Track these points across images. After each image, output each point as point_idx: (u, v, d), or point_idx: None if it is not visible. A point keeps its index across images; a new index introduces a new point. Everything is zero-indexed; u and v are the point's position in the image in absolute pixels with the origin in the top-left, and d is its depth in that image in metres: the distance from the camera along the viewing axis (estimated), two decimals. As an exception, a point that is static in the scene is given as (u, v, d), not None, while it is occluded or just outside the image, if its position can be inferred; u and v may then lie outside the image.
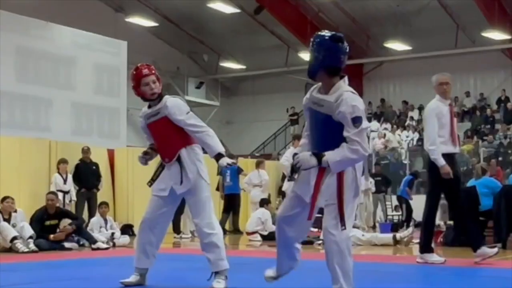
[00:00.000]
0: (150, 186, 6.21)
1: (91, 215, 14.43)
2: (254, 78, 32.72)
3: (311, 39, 5.00)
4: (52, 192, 12.59)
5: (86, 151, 14.97)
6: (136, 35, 26.38)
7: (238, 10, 27.29)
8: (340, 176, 4.81)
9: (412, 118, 28.63)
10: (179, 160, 6.03)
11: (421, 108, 29.11)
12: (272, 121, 32.08)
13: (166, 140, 6.14)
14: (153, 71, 6.21)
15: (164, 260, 9.43)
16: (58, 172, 14.31)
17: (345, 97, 4.77)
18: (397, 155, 25.26)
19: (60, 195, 13.64)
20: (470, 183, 12.62)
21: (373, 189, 19.79)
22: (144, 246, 6.21)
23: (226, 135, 31.48)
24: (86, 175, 14.73)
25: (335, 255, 4.89)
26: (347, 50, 4.93)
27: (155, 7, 28.04)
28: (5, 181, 13.63)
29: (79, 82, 19.68)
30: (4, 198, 11.52)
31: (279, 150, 30.04)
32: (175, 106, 6.06)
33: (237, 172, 16.65)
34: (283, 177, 19.33)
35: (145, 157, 6.29)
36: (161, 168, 6.20)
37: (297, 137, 14.02)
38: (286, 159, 13.19)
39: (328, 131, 4.85)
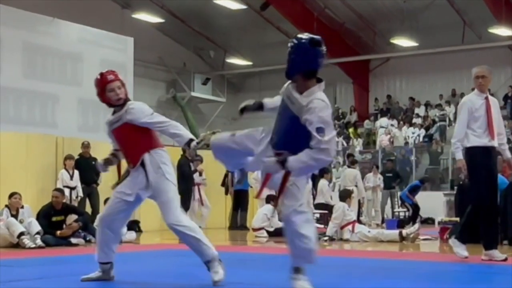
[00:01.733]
0: (113, 188, 6.25)
1: (93, 210, 14.44)
2: (261, 74, 32.68)
3: (290, 41, 5.17)
4: (58, 189, 12.61)
5: (86, 146, 14.98)
6: (143, 32, 26.41)
7: (244, 6, 27.27)
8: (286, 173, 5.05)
9: (417, 115, 28.56)
10: (143, 164, 6.07)
11: (427, 105, 29.07)
12: (279, 117, 32.05)
13: (130, 146, 6.19)
14: (118, 77, 6.26)
15: (169, 256, 9.47)
16: (65, 168, 14.34)
17: (314, 106, 4.94)
18: (403, 152, 25.22)
19: (67, 191, 13.67)
20: (477, 179, 12.60)
21: (382, 185, 19.71)
22: (103, 244, 6.24)
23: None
24: (85, 170, 14.70)
25: (299, 237, 5.36)
26: (325, 53, 5.08)
27: (162, 3, 28.04)
28: (12, 177, 13.67)
29: (85, 78, 19.65)
30: (12, 194, 11.57)
31: (286, 146, 30.00)
32: (138, 110, 6.11)
33: None
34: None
35: (106, 165, 6.43)
36: (127, 173, 6.25)
37: None
38: None
39: (292, 129, 5.05)
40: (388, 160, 22.49)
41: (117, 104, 6.19)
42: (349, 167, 19.12)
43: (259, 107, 5.63)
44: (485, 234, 8.19)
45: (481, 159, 8.04)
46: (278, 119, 5.29)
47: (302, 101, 5.01)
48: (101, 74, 6.25)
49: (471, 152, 8.10)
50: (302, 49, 5.07)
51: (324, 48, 5.09)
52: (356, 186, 17.73)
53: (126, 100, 6.21)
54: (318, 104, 4.94)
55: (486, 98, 8.28)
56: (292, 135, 5.05)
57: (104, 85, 6.18)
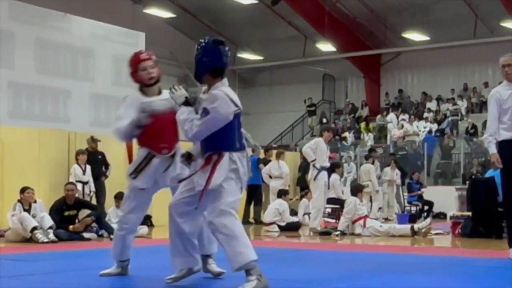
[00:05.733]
0: (134, 178, 6.13)
1: (98, 203, 14.42)
2: (272, 69, 32.70)
3: (196, 46, 5.49)
4: (71, 183, 12.68)
5: (94, 140, 14.80)
6: (154, 27, 26.45)
7: (255, 1, 27.28)
8: (213, 168, 5.30)
9: (429, 109, 28.47)
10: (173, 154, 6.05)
11: (439, 99, 28.99)
12: (290, 112, 32.07)
13: (169, 132, 6.06)
14: (152, 57, 6.20)
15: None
16: (77, 163, 14.37)
17: (212, 93, 5.33)
18: (415, 146, 25.15)
19: (80, 185, 13.70)
20: (489, 173, 12.59)
21: (399, 181, 19.49)
22: (128, 245, 6.30)
23: (244, 126, 31.48)
24: (92, 165, 14.67)
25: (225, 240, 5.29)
26: (229, 52, 5.50)
27: (173, -2, 28.10)
28: (25, 172, 13.73)
29: (97, 74, 19.75)
30: (24, 189, 11.60)
31: (297, 141, 30.02)
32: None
33: (257, 162, 16.68)
34: (300, 168, 19.34)
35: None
36: (147, 160, 6.11)
37: (325, 129, 13.99)
38: (309, 146, 13.21)
39: None
40: (391, 154, 22.32)
41: (149, 84, 6.13)
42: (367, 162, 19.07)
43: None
44: (509, 230, 7.87)
45: (510, 153, 7.67)
46: None
47: (204, 96, 5.43)
48: (135, 53, 6.24)
49: (501, 147, 7.74)
50: (207, 49, 5.42)
51: (227, 48, 5.46)
52: (370, 180, 17.72)
53: (158, 80, 6.17)
54: (216, 93, 5.32)
55: None
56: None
57: (136, 64, 6.16)
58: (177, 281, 5.77)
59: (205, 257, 5.98)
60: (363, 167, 18.69)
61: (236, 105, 5.34)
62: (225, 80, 5.44)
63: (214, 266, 6.00)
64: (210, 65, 5.39)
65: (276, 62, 31.44)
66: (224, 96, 5.28)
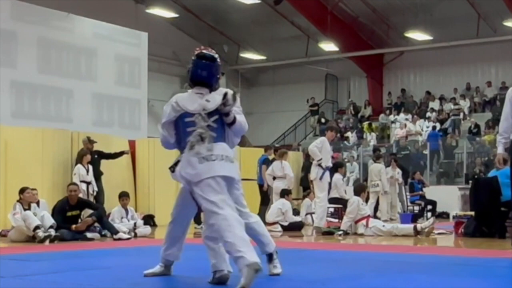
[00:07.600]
0: (173, 171, 5.88)
1: (97, 203, 14.39)
2: (274, 68, 32.70)
3: None
4: (74, 183, 12.67)
5: (91, 141, 14.71)
6: (157, 26, 26.47)
7: (258, 1, 27.25)
8: None
9: (432, 109, 28.42)
10: None
11: (441, 98, 28.96)
12: (292, 112, 32.06)
13: None
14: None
15: (185, 250, 9.49)
16: (81, 163, 14.34)
17: None
18: (417, 146, 25.12)
19: (84, 185, 13.69)
20: (492, 173, 12.56)
21: (401, 179, 19.42)
22: (177, 240, 6.24)
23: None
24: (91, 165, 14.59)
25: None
26: (206, 66, 5.76)
27: (175, -2, 28.09)
28: (27, 172, 13.74)
29: (100, 73, 19.78)
30: (24, 189, 11.48)
31: (299, 141, 30.01)
32: None
33: (263, 163, 16.65)
34: (303, 167, 19.33)
35: None
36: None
37: (329, 128, 13.97)
38: (315, 145, 13.22)
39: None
40: (391, 154, 22.29)
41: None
42: (374, 161, 19.03)
43: None
44: None
45: None
46: None
47: None
48: (197, 50, 6.13)
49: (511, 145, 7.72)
50: (192, 61, 5.82)
51: (206, 62, 5.75)
52: (380, 180, 17.69)
53: None
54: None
55: None
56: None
57: None
58: (219, 282, 5.78)
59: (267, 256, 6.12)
60: (373, 167, 18.57)
61: (180, 107, 5.65)
62: (195, 88, 5.75)
63: (271, 266, 6.09)
64: (189, 75, 5.82)
65: (279, 61, 31.44)
66: (171, 99, 5.76)
